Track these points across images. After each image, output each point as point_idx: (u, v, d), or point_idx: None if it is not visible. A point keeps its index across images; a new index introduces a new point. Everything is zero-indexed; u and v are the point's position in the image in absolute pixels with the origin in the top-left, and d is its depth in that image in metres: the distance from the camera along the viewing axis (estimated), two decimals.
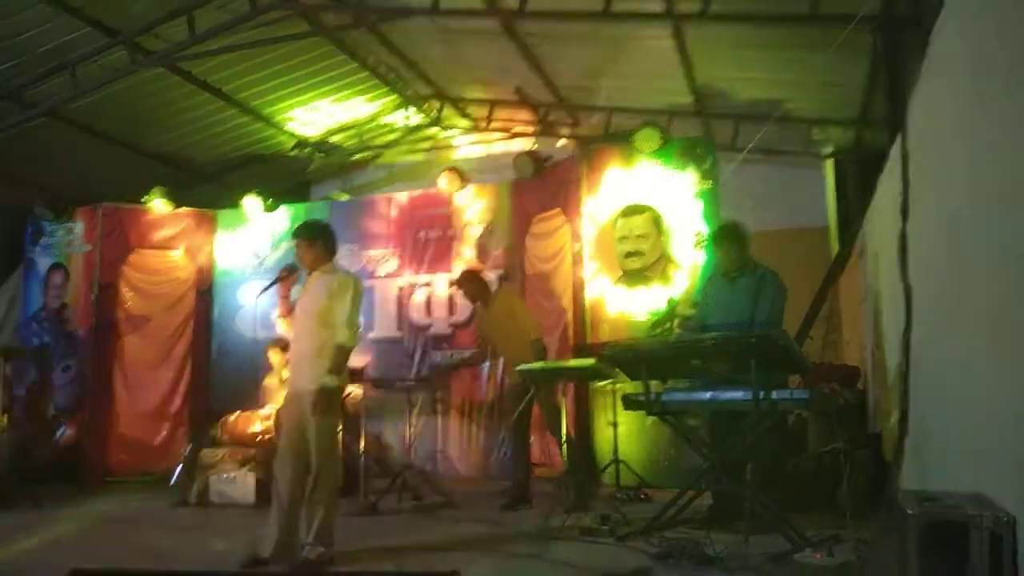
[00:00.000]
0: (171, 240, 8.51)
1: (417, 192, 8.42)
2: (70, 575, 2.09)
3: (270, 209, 8.47)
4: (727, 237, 4.61)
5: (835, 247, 7.40)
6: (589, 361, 5.11)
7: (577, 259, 7.15)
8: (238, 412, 6.41)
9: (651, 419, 4.75)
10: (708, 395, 4.11)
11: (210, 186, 9.23)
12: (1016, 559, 2.11)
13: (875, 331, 4.81)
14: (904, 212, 3.58)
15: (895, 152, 3.96)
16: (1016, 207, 2.14)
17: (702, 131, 7.87)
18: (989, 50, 2.32)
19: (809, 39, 5.83)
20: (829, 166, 7.92)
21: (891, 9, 4.44)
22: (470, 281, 6.01)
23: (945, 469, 3.01)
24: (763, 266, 4.54)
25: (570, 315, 7.08)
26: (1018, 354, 2.20)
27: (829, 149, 7.79)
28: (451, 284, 6.17)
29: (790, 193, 7.81)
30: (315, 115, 8.56)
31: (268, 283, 4.28)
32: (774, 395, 3.77)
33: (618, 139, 7.44)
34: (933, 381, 3.29)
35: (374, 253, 8.17)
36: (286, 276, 4.19)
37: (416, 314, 7.91)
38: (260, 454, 5.83)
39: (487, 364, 7.13)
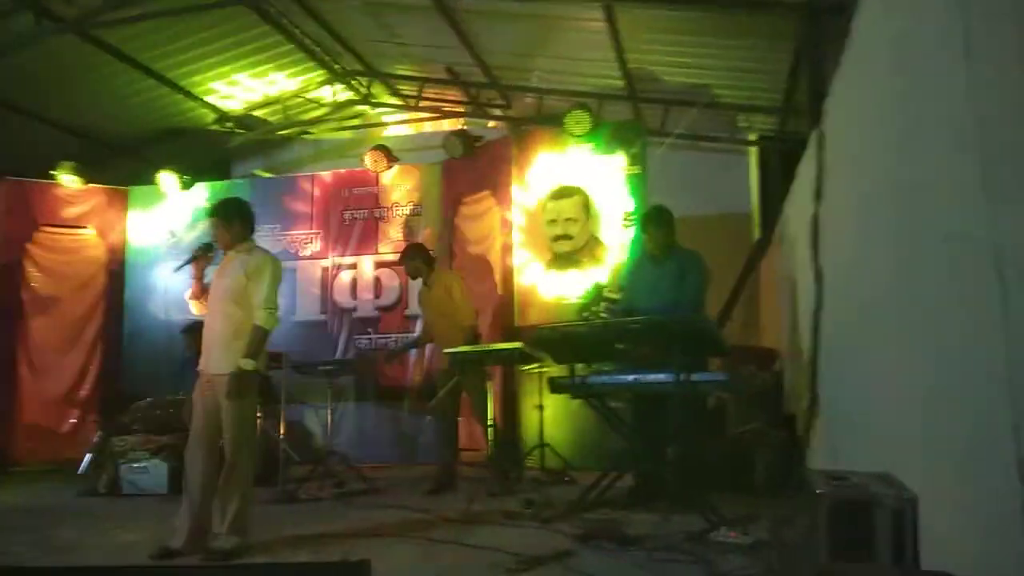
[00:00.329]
0: (81, 217, 8.10)
1: (342, 171, 8.22)
2: None
3: (187, 186, 8.12)
4: (654, 220, 4.64)
5: (756, 232, 7.57)
6: (515, 344, 5.08)
7: (507, 241, 7.11)
8: (150, 398, 6.15)
9: (576, 402, 4.75)
10: (631, 378, 4.13)
11: (124, 161, 8.79)
12: (917, 535, 2.17)
13: (791, 314, 4.92)
14: (818, 195, 3.65)
15: (813, 138, 4.03)
16: (922, 189, 2.18)
17: (632, 115, 7.91)
18: (908, 33, 2.34)
19: (737, 25, 5.90)
20: (753, 153, 8.08)
21: None
22: (417, 255, 5.77)
23: (855, 449, 3.09)
24: (688, 249, 4.59)
25: (499, 298, 7.04)
26: (919, 335, 2.26)
27: (754, 136, 7.94)
28: (399, 258, 5.95)
29: (716, 179, 7.94)
30: (237, 88, 8.24)
31: (182, 262, 4.09)
32: (694, 377, 3.82)
33: (549, 121, 7.41)
34: (842, 363, 3.37)
35: (297, 233, 7.95)
36: (201, 255, 4.01)
37: (340, 296, 7.75)
38: (172, 441, 5.60)
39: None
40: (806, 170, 4.36)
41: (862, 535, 2.31)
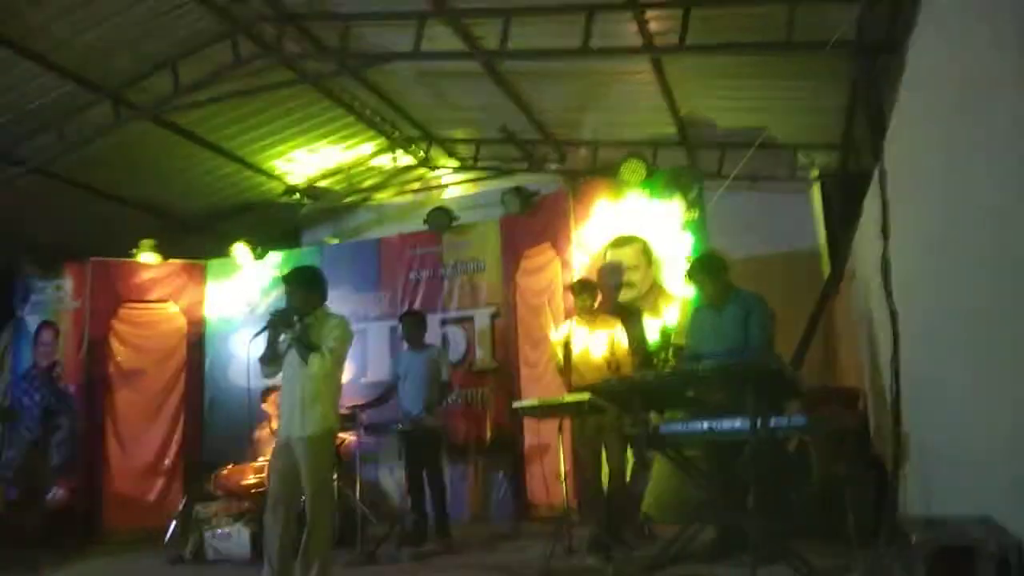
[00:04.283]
0: (161, 292, 8.46)
1: (406, 232, 8.43)
2: None
3: (260, 257, 8.44)
4: (703, 270, 4.59)
5: (826, 270, 7.40)
6: (584, 396, 5.04)
7: (567, 294, 7.12)
8: (231, 464, 6.30)
9: (651, 453, 4.67)
10: (705, 425, 4.05)
11: (200, 236, 9.22)
12: None
13: (870, 353, 4.77)
14: (885, 233, 3.57)
15: (876, 173, 3.97)
16: (990, 216, 2.13)
17: (687, 161, 7.92)
18: (960, 62, 2.33)
19: (787, 66, 5.90)
20: (816, 189, 7.95)
21: (864, 33, 4.49)
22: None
23: (949, 491, 2.95)
24: (747, 291, 4.52)
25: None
26: (1011, 372, 2.17)
27: (815, 173, 7.83)
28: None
29: (778, 218, 7.83)
30: (303, 161, 8.61)
31: (259, 330, 4.22)
32: (771, 422, 3.72)
33: (605, 172, 7.48)
34: (928, 402, 3.25)
35: (365, 296, 8.13)
36: (277, 322, 4.13)
37: None
38: (254, 507, 5.71)
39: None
40: (871, 207, 4.29)
41: None
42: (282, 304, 4.18)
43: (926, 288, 3.08)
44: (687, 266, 5.59)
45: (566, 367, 5.21)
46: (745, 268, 4.69)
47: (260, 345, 4.07)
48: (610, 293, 6.53)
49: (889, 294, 3.57)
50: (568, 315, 6.96)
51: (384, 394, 6.14)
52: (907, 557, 2.41)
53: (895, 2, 3.88)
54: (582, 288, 5.50)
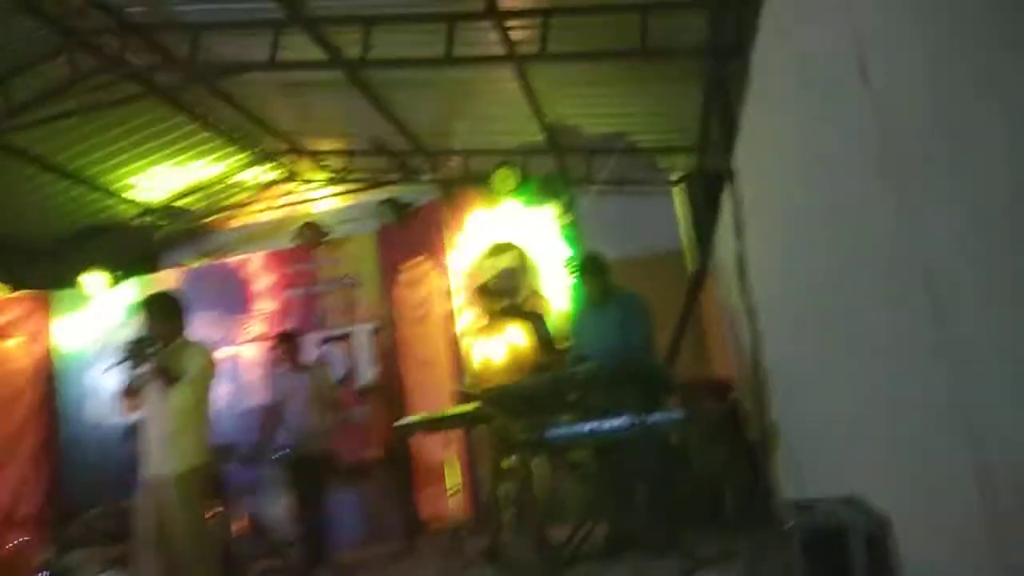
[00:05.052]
0: (4, 327, 7.73)
1: (276, 251, 8.10)
2: None
3: (115, 283, 7.87)
4: (588, 270, 4.69)
5: (690, 268, 7.72)
6: (469, 407, 5.01)
7: (447, 307, 7.08)
8: (96, 508, 5.83)
9: (539, 459, 4.69)
10: (588, 427, 4.11)
11: (46, 265, 8.48)
12: (891, 558, 2.18)
13: (736, 344, 5.01)
14: (738, 232, 3.75)
15: (731, 170, 4.16)
16: (842, 214, 2.25)
17: (557, 167, 8.05)
18: (806, 64, 2.45)
19: (644, 73, 6.10)
20: (678, 191, 8.28)
21: (714, 40, 4.70)
22: None
23: (817, 473, 3.12)
24: (627, 291, 4.64)
25: (445, 361, 6.97)
26: (862, 359, 2.31)
27: (676, 175, 8.16)
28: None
29: (646, 220, 8.08)
30: (158, 180, 8.09)
31: (114, 363, 3.92)
32: (651, 419, 3.82)
33: (478, 181, 7.48)
34: (789, 390, 3.42)
35: (236, 318, 7.75)
36: (133, 354, 3.85)
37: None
38: (127, 551, 5.30)
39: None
40: (727, 206, 4.50)
41: (838, 563, 2.32)
42: (140, 333, 3.88)
43: (779, 283, 3.24)
44: (569, 267, 5.69)
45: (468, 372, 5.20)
46: (616, 269, 4.81)
47: (118, 379, 3.79)
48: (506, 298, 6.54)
49: (746, 290, 3.74)
50: (451, 325, 6.94)
51: (268, 423, 5.85)
52: (783, 540, 2.51)
53: (740, 9, 4.08)
54: (488, 293, 5.50)
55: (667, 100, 6.64)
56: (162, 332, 3.76)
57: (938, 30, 1.46)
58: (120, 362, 3.82)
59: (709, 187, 6.60)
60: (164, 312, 3.81)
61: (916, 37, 1.57)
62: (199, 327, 6.34)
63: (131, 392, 3.76)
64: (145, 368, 3.70)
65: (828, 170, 2.35)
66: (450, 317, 7.03)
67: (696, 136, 6.90)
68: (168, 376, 3.61)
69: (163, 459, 3.57)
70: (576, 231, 6.78)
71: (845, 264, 2.29)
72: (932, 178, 1.60)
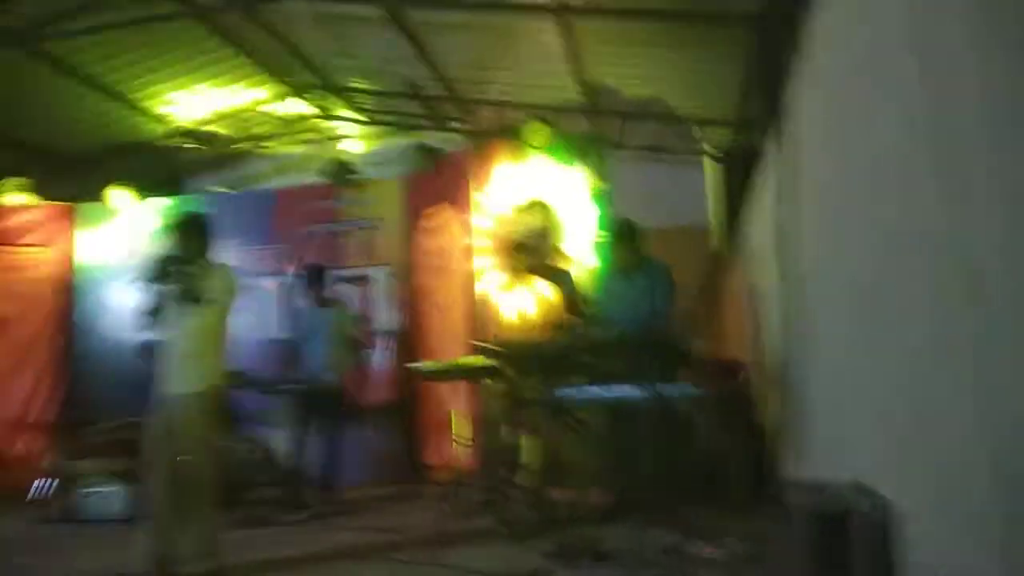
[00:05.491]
0: (29, 236, 7.81)
1: (301, 185, 8.10)
2: None
3: (141, 199, 7.92)
4: (621, 235, 4.69)
5: (712, 244, 7.69)
6: (482, 360, 5.05)
7: (468, 256, 7.08)
8: (107, 421, 5.96)
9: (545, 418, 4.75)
10: (601, 391, 4.15)
11: (74, 177, 8.52)
12: (893, 542, 2.22)
13: (755, 326, 5.01)
14: (780, 204, 3.72)
15: (770, 149, 4.11)
16: (886, 193, 2.23)
17: (590, 128, 7.97)
18: (864, 40, 2.41)
19: (688, 37, 5.99)
20: (709, 165, 8.21)
21: (767, 8, 4.60)
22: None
23: (827, 458, 3.14)
24: (656, 261, 4.64)
25: (461, 312, 7.00)
26: (883, 344, 2.31)
27: (710, 148, 8.07)
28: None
29: (675, 192, 8.04)
30: (189, 102, 8.07)
31: (137, 278, 3.96)
32: (664, 390, 3.85)
33: (509, 134, 7.41)
34: (811, 372, 3.43)
35: (257, 249, 7.79)
36: (160, 271, 3.88)
37: None
38: (132, 465, 5.43)
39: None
40: (766, 181, 4.45)
41: (840, 545, 2.36)
42: (167, 252, 3.91)
43: (817, 260, 3.22)
44: (601, 231, 5.68)
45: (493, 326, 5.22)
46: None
47: (141, 295, 3.84)
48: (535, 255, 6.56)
49: (783, 264, 3.72)
50: (470, 276, 6.96)
51: (286, 354, 5.93)
52: (788, 520, 2.55)
53: None
54: (519, 249, 5.51)
55: (709, 69, 6.52)
56: (189, 252, 3.79)
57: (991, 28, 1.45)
58: (145, 278, 3.86)
59: (742, 162, 6.54)
60: (193, 233, 3.84)
61: (972, 32, 1.55)
62: (223, 254, 6.41)
63: (153, 310, 3.80)
64: (170, 286, 3.74)
65: (876, 155, 2.32)
66: (470, 268, 7.04)
67: (735, 109, 6.81)
68: (192, 296, 3.65)
69: (182, 377, 3.64)
70: (606, 195, 6.73)
71: (885, 251, 2.27)
72: (979, 172, 1.59)
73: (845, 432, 2.85)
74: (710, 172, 8.17)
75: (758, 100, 5.35)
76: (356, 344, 5.99)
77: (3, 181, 7.68)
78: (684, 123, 7.74)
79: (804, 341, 3.51)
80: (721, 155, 7.76)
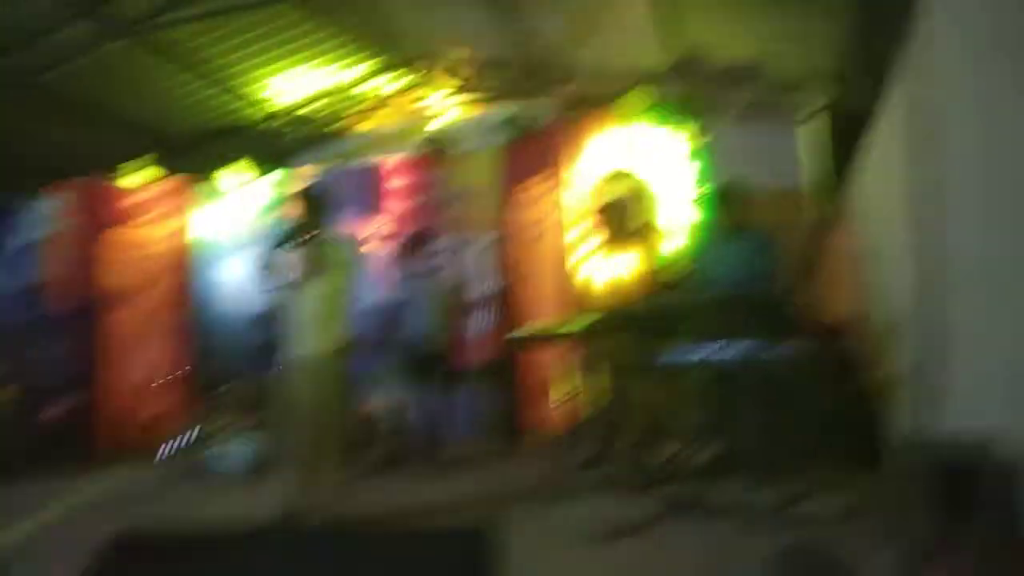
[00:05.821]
0: (150, 213, 8.36)
1: (400, 159, 8.35)
2: (113, 541, 2.01)
3: (255, 178, 8.35)
4: (726, 199, 4.68)
5: (815, 208, 7.48)
6: (584, 323, 5.15)
7: (562, 224, 7.17)
8: (233, 381, 6.39)
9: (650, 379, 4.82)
10: (702, 354, 4.18)
11: (191, 157, 9.03)
12: (1020, 499, 2.20)
13: (869, 286, 4.91)
14: (912, 164, 3.61)
15: (885, 109, 4.01)
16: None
17: (686, 94, 7.84)
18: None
19: None
20: (807, 129, 7.97)
21: None
22: None
23: (947, 415, 3.10)
24: (760, 229, 4.62)
25: (556, 279, 7.11)
26: (1013, 300, 2.28)
27: (812, 109, 7.83)
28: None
29: (766, 155, 7.84)
30: (287, 85, 8.39)
31: (264, 248, 4.25)
32: (768, 350, 3.86)
33: (602, 103, 7.42)
34: (932, 330, 3.37)
35: (363, 220, 8.11)
36: (288, 240, 4.15)
37: None
38: (257, 424, 5.83)
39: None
40: (880, 143, 4.34)
41: (964, 502, 2.36)
42: (294, 222, 4.17)
43: (943, 220, 3.13)
44: (704, 195, 5.66)
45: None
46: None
47: (269, 263, 4.12)
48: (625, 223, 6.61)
49: (923, 226, 3.59)
50: (564, 244, 7.06)
51: (392, 319, 6.20)
52: (908, 476, 2.55)
53: None
54: (612, 211, 5.58)
55: (809, 27, 6.33)
56: (314, 223, 4.04)
57: None
58: (274, 247, 4.13)
59: (846, 125, 6.35)
60: (318, 204, 4.10)
61: None
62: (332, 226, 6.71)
63: (281, 276, 4.08)
64: (298, 255, 4.00)
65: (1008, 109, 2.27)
66: (564, 236, 7.13)
67: (838, 69, 6.59)
68: (321, 264, 3.91)
69: (313, 339, 3.91)
70: (704, 160, 6.68)
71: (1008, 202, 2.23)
72: None
73: (968, 388, 2.82)
74: (808, 134, 7.94)
75: (863, 60, 5.18)
76: (457, 309, 6.19)
77: (123, 163, 8.20)
78: (784, 84, 7.54)
79: (922, 301, 3.45)
80: (823, 116, 7.53)
